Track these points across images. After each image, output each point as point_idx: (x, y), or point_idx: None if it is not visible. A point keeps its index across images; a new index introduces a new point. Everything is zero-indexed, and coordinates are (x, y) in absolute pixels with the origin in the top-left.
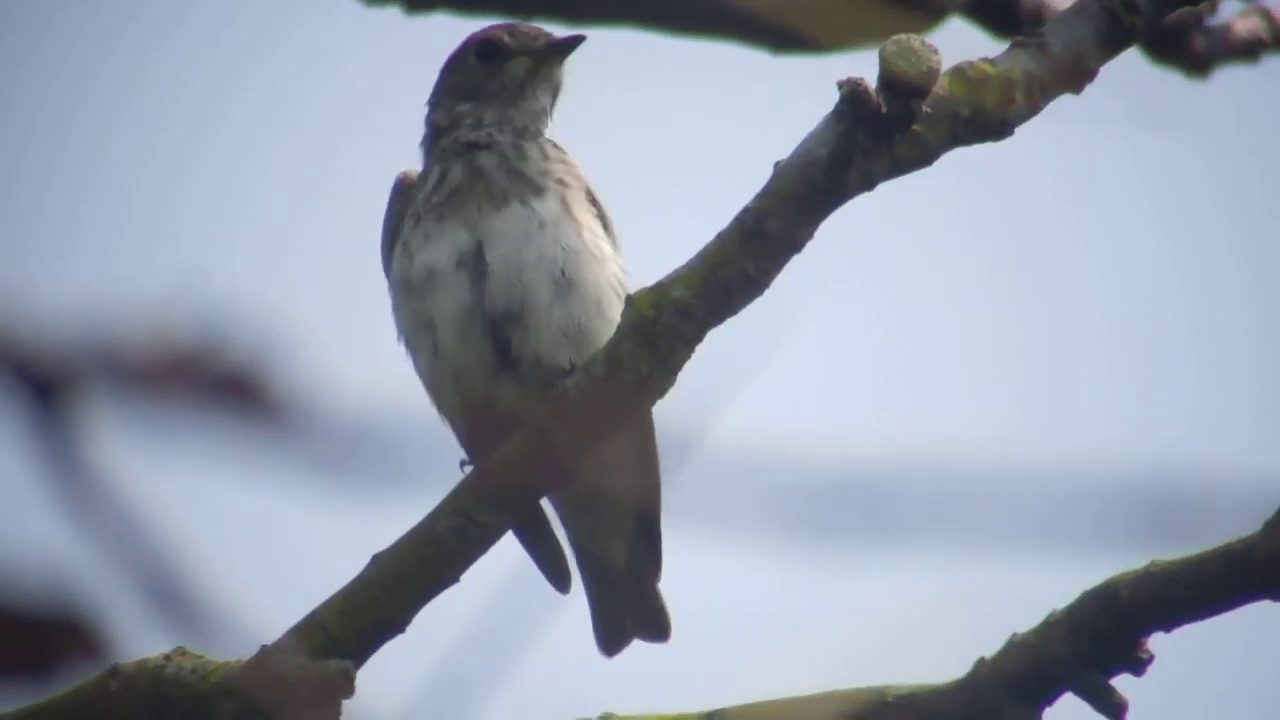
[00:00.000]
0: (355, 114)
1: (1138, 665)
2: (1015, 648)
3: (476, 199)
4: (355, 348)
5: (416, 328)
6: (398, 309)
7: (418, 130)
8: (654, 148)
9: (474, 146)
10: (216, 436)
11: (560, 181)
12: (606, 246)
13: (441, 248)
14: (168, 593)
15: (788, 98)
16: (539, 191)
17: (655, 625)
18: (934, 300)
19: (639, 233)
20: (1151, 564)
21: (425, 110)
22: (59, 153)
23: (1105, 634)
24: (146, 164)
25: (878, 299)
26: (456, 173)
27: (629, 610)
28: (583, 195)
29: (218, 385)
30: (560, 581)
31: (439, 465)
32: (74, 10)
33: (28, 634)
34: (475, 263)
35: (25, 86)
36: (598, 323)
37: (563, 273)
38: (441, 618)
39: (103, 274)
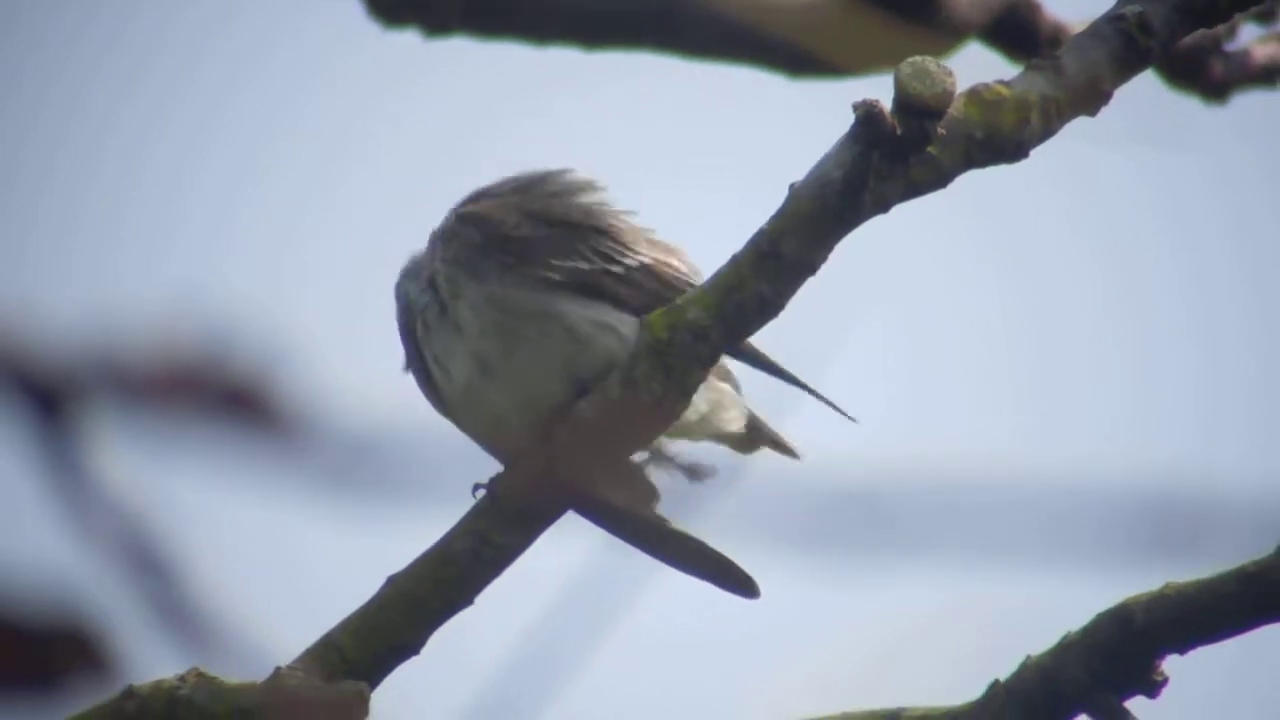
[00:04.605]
0: (357, 120)
1: (1152, 687)
2: (1029, 669)
3: None
4: (359, 358)
5: None
6: None
7: (417, 134)
8: (668, 165)
9: None
10: (221, 448)
11: None
12: None
13: None
14: (174, 606)
15: (803, 118)
16: None
17: None
18: (940, 314)
19: None
20: (1166, 586)
21: None
22: (59, 159)
23: (1120, 655)
24: (147, 175)
25: (882, 312)
26: None
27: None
28: None
29: (221, 397)
30: (746, 589)
31: (444, 475)
32: (73, 11)
33: (32, 647)
34: None
35: (25, 90)
36: None
37: None
38: (455, 641)
39: (105, 285)
